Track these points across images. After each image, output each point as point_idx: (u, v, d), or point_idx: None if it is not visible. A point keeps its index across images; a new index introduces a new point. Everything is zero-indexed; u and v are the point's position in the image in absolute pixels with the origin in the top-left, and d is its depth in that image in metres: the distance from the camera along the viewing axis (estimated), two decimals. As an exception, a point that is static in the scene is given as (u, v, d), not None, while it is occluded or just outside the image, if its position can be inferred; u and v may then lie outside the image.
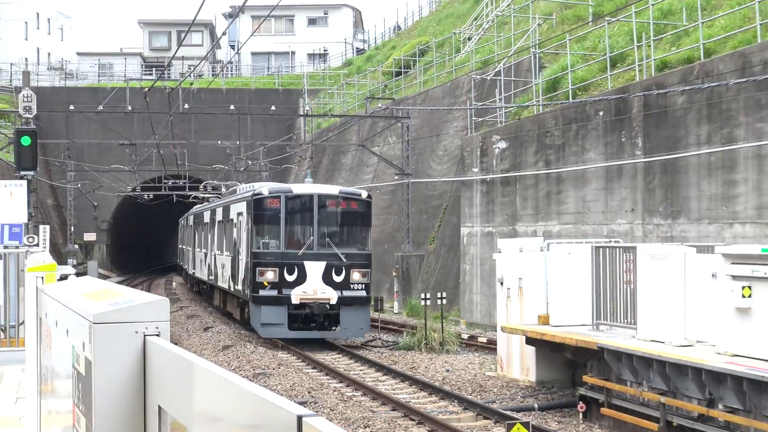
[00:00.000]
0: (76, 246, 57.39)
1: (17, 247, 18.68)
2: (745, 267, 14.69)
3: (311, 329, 27.33)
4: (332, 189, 30.15)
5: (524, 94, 35.84)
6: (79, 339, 3.43)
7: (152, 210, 67.49)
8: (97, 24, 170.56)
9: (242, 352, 27.19)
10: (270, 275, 26.73)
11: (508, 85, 36.43)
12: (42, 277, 7.87)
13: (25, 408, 9.86)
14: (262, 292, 26.84)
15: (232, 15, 74.16)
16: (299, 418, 1.68)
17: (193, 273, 48.14)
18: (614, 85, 29.38)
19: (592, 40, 34.01)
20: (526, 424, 12.26)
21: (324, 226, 27.94)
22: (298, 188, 29.49)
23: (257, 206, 27.76)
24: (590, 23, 35.34)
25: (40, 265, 9.23)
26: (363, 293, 27.56)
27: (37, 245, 20.70)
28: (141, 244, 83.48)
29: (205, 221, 42.87)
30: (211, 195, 52.91)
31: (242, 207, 29.77)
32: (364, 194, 29.03)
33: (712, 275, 15.50)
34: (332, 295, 26.74)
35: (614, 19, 32.06)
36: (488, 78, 38.06)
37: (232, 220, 32.34)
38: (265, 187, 28.92)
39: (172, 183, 55.78)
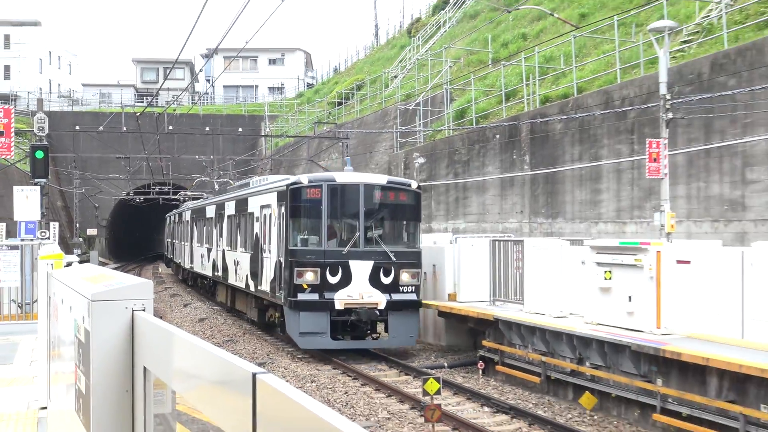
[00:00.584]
0: (81, 239, 56.32)
1: (32, 240, 18.64)
2: (607, 256, 14.95)
3: (356, 338, 19.65)
4: (380, 178, 21.26)
5: (438, 120, 36.00)
6: (80, 313, 3.42)
7: (142, 210, 66.68)
8: (99, 61, 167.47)
9: (215, 323, 26.92)
10: (310, 277, 18.85)
11: (425, 114, 36.67)
12: (51, 264, 7.79)
13: (38, 369, 9.75)
14: (300, 296, 18.81)
15: (208, 56, 73.41)
16: (254, 375, 1.70)
17: (191, 267, 38.95)
18: (508, 114, 29.66)
19: (491, 79, 34.31)
20: (437, 378, 12.34)
21: (371, 221, 19.94)
22: (341, 177, 20.32)
23: (294, 197, 19.45)
24: (490, 66, 35.67)
25: (50, 254, 9.11)
26: (413, 296, 19.60)
27: (48, 238, 20.36)
28: (133, 237, 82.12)
29: (207, 216, 33.50)
30: (196, 194, 51.27)
31: (271, 199, 21.39)
32: (414, 184, 20.82)
33: (582, 262, 15.75)
34: (380, 299, 19.01)
35: (508, 63, 32.37)
36: (410, 108, 38.23)
37: (251, 214, 23.90)
38: (304, 176, 20.45)
39: (159, 189, 55.35)
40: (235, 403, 1.82)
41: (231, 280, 26.86)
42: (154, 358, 2.82)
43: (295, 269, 18.90)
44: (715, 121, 19.26)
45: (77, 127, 54.19)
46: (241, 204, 25.88)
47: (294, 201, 19.51)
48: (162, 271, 57.54)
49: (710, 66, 19.95)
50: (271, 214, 21.23)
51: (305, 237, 19.71)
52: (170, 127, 49.98)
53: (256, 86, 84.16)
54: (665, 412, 12.68)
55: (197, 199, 46.41)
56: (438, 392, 12.11)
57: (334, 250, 19.23)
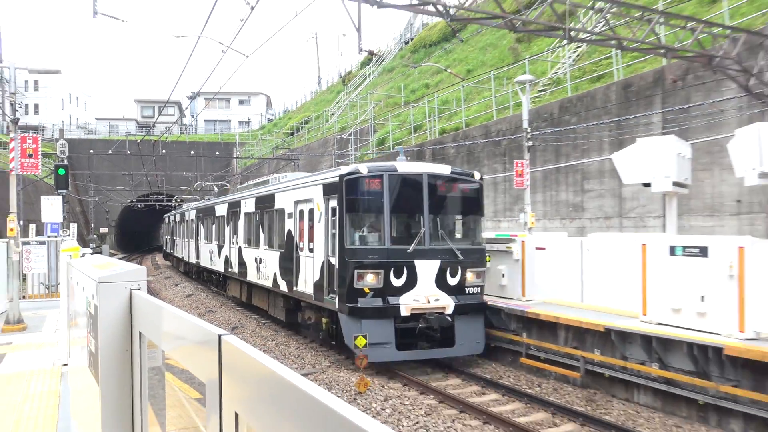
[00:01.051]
0: (95, 236, 54.56)
1: (56, 237, 18.22)
2: (487, 245, 15.17)
3: (424, 347, 13.03)
4: (443, 168, 14.05)
5: (365, 146, 36.04)
6: (90, 292, 3.35)
7: (143, 213, 65.07)
8: (108, 100, 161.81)
9: (199, 298, 26.22)
10: (371, 279, 12.57)
11: (356, 141, 36.67)
12: (71, 255, 7.55)
13: (60, 335, 9.45)
14: (362, 302, 12.49)
15: (192, 97, 71.85)
16: (219, 336, 1.69)
17: (197, 262, 30.68)
18: (416, 142, 29.86)
19: (403, 116, 34.51)
20: (365, 336, 12.25)
21: (436, 215, 13.49)
22: (402, 166, 13.45)
23: (350, 189, 12.87)
24: (402, 106, 35.88)
25: (69, 247, 8.82)
26: (479, 298, 13.47)
27: (69, 236, 19.74)
28: (136, 234, 79.73)
29: (217, 215, 25.75)
30: (189, 197, 49.59)
31: (313, 193, 14.52)
32: (477, 175, 14.17)
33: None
34: (448, 303, 12.89)
35: (415, 105, 32.64)
36: (344, 137, 38.16)
37: (281, 210, 17.03)
38: (361, 165, 13.41)
39: (156, 197, 54.39)
40: (206, 357, 1.80)
41: (251, 277, 19.95)
42: (147, 325, 2.76)
43: (355, 271, 12.52)
44: (562, 148, 19.77)
45: (91, 151, 53.20)
46: (266, 200, 18.68)
47: (350, 193, 12.93)
48: (159, 260, 55.99)
49: (559, 108, 20.48)
50: (312, 210, 14.55)
51: (364, 234, 13.18)
52: (164, 151, 49.05)
53: (229, 120, 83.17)
54: (529, 356, 12.94)
55: (185, 202, 44.71)
56: (365, 346, 12.08)
57: (399, 248, 12.83)
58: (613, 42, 12.81)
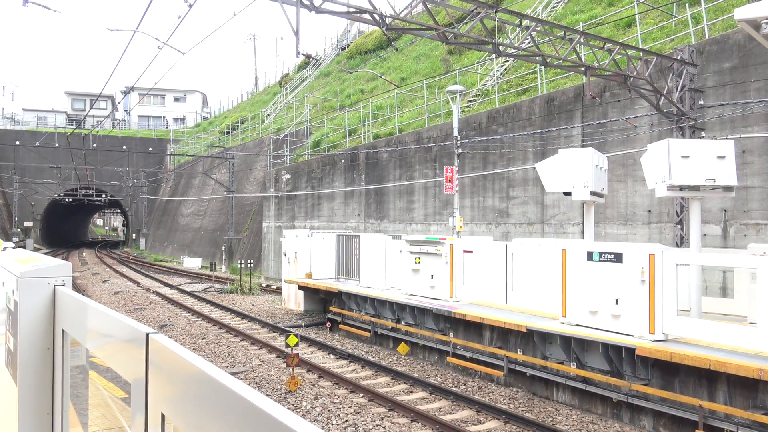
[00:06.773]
0: (18, 229, 51.77)
1: None
2: (417, 247, 15.31)
3: None
4: None
5: (300, 148, 35.75)
6: (10, 288, 3.15)
7: (71, 208, 62.41)
8: (38, 91, 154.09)
9: (127, 294, 25.31)
10: None
11: (291, 143, 36.30)
12: (-9, 250, 7.10)
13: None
14: None
15: (126, 92, 69.49)
16: (147, 335, 1.60)
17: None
18: (350, 145, 29.85)
19: (339, 120, 34.46)
20: (296, 335, 12.17)
21: None
22: None
23: None
24: (338, 110, 35.79)
25: (-10, 242, 8.30)
26: None
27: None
28: (63, 229, 76.18)
29: None
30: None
31: None
32: None
33: (400, 251, 16.05)
34: None
35: (351, 109, 32.61)
36: (280, 138, 37.71)
37: None
38: None
39: (84, 192, 52.10)
40: (133, 356, 1.72)
41: None
42: (71, 322, 2.62)
43: None
44: (490, 156, 20.20)
45: (17, 142, 50.53)
46: None
47: None
48: (85, 255, 53.61)
49: (487, 118, 20.91)
50: None
51: None
52: (94, 145, 47.18)
53: (164, 117, 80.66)
54: (455, 356, 13.13)
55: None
56: (296, 345, 11.96)
57: None
58: (537, 58, 13.18)
